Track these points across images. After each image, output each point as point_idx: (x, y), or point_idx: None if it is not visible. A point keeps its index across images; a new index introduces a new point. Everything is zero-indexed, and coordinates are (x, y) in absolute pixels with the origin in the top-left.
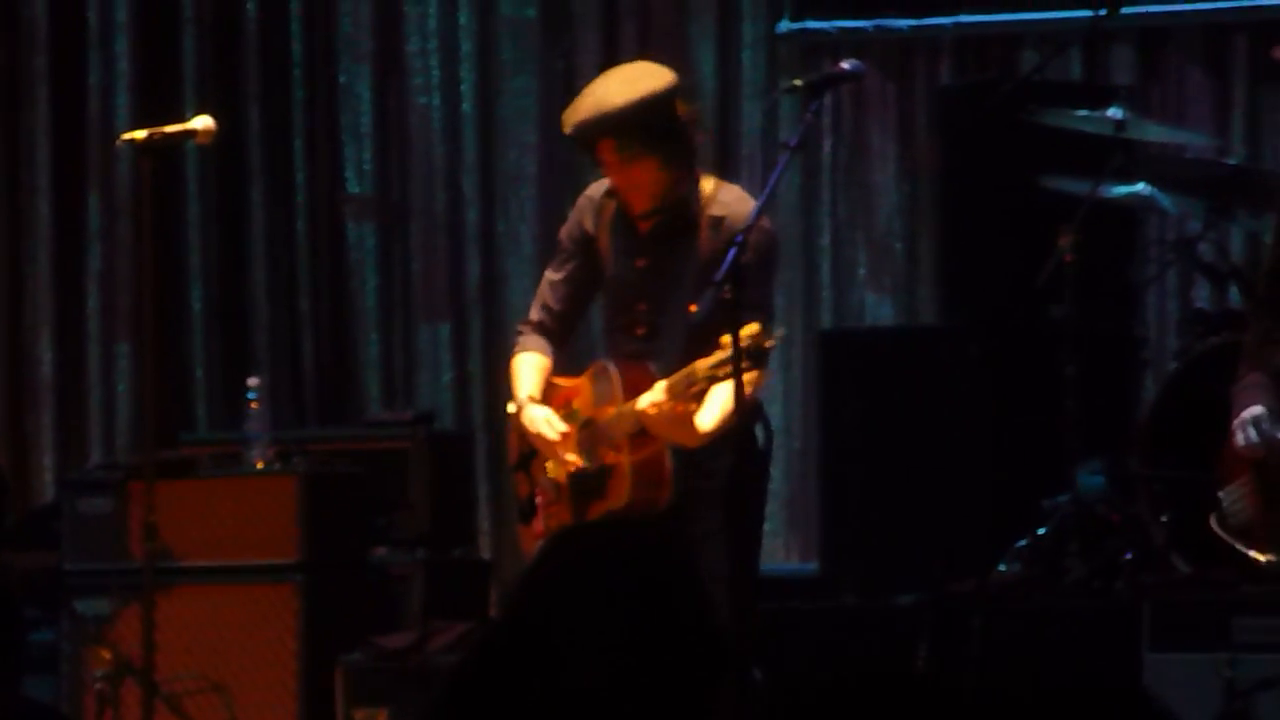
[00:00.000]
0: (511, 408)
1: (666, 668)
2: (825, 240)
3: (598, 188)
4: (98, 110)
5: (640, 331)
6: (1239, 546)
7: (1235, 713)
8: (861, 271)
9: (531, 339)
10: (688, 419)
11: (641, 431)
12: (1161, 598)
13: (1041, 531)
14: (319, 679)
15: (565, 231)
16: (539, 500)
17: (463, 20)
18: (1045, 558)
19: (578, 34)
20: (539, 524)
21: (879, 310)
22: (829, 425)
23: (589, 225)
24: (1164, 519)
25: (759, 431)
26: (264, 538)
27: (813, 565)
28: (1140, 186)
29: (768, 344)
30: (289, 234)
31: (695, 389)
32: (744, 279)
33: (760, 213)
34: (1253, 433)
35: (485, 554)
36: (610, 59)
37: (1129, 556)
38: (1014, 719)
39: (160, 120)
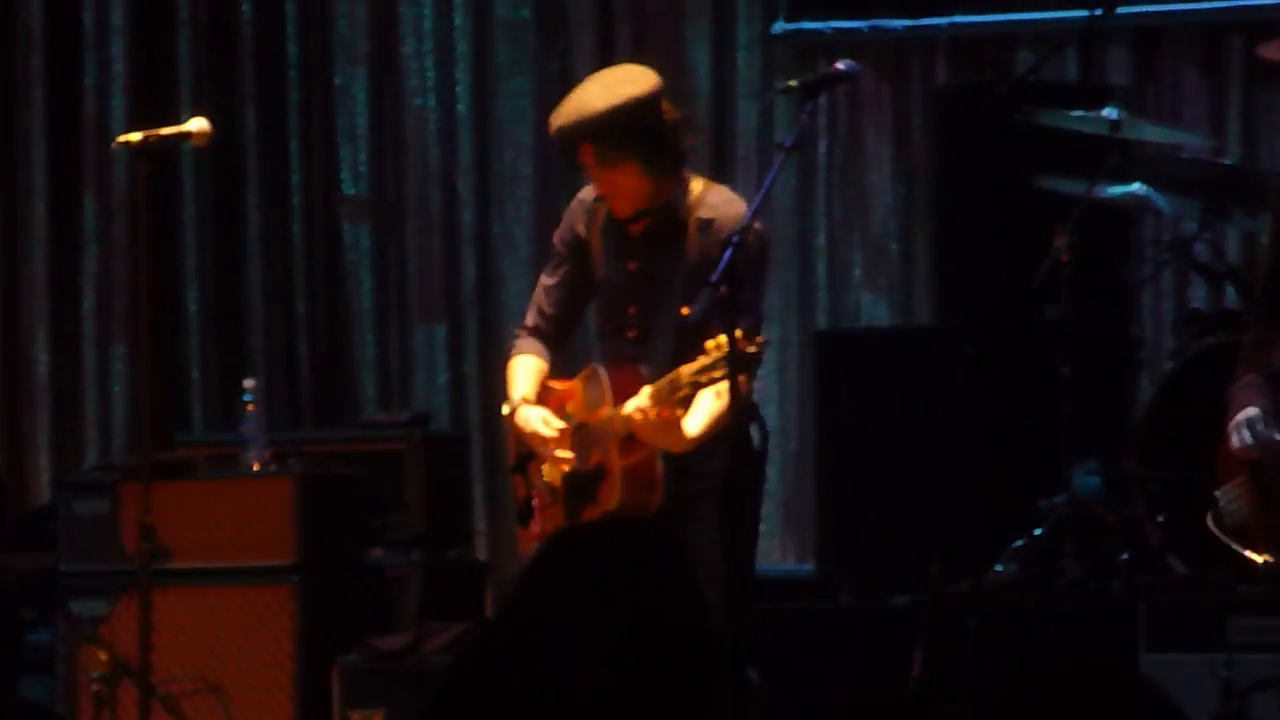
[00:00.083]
0: (505, 409)
1: (663, 669)
2: (821, 241)
3: (590, 191)
4: (93, 112)
5: (632, 334)
6: (1235, 546)
7: (1232, 713)
8: (857, 272)
9: (527, 343)
10: (674, 424)
11: (631, 436)
12: (1158, 598)
13: (1037, 532)
14: (315, 680)
15: (558, 235)
16: (535, 502)
17: (458, 21)
18: (1041, 558)
19: (573, 35)
20: (535, 526)
21: (874, 311)
22: (825, 426)
23: (581, 229)
24: (1160, 519)
25: (754, 433)
26: (260, 539)
27: (809, 566)
28: (1136, 187)
29: (750, 349)
30: (285, 235)
31: (680, 394)
32: (735, 281)
33: (755, 214)
34: (1247, 434)
35: (481, 555)
36: (605, 60)
37: (1125, 557)
38: (1016, 706)
39: (156, 122)
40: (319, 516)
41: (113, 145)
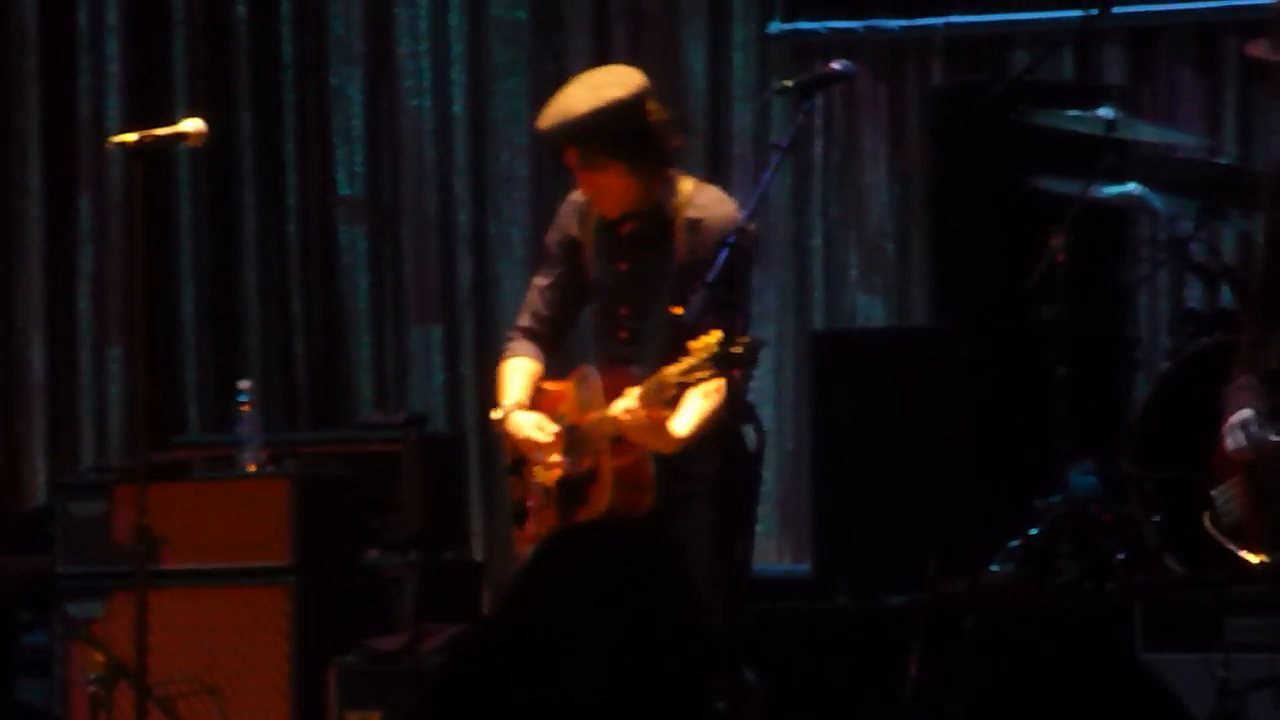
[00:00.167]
0: (496, 414)
1: (658, 669)
2: (817, 241)
3: (582, 192)
4: (88, 112)
5: (623, 336)
6: (1231, 547)
7: (1228, 713)
8: (853, 272)
9: (520, 345)
10: (662, 425)
11: (621, 437)
12: (1154, 598)
13: (1034, 532)
14: (312, 681)
15: (551, 236)
16: (529, 504)
17: (454, 22)
18: (1037, 558)
19: (568, 36)
20: (530, 527)
21: (871, 311)
22: (821, 426)
23: (574, 230)
24: (1156, 519)
25: (750, 433)
26: (256, 540)
27: (805, 566)
28: (1131, 186)
29: (735, 349)
30: (280, 236)
31: (667, 395)
32: (730, 281)
33: (752, 214)
34: (1241, 436)
35: (478, 556)
36: (601, 60)
37: (1121, 557)
38: (1015, 691)
39: (151, 123)
40: (315, 517)
41: (108, 146)
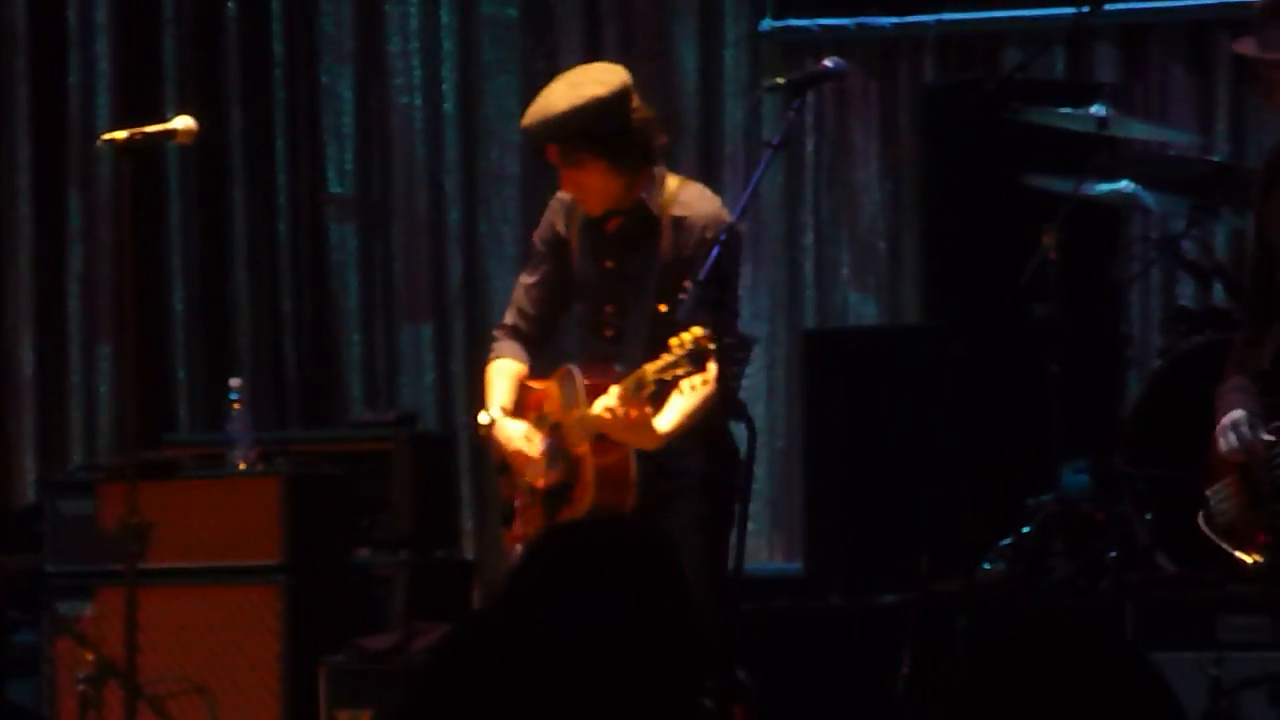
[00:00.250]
0: (484, 417)
1: (651, 668)
2: (808, 239)
3: (564, 189)
4: (78, 111)
5: (609, 334)
6: (1225, 546)
7: (1221, 711)
8: (845, 271)
9: (505, 345)
10: (644, 422)
11: (603, 435)
12: (1147, 596)
13: (1026, 530)
14: (302, 680)
15: (538, 235)
16: (517, 503)
17: (444, 20)
18: (1030, 557)
19: (559, 33)
20: (517, 527)
21: (862, 309)
22: (813, 425)
23: (561, 227)
24: (1149, 517)
25: (742, 431)
26: (247, 539)
27: (797, 565)
28: (1124, 184)
29: (711, 345)
30: (271, 235)
31: (646, 392)
32: (721, 279)
33: (743, 212)
34: (1233, 438)
35: (468, 555)
36: (592, 58)
37: (1114, 555)
38: (1006, 664)
39: (141, 121)
40: (306, 516)
41: (98, 144)
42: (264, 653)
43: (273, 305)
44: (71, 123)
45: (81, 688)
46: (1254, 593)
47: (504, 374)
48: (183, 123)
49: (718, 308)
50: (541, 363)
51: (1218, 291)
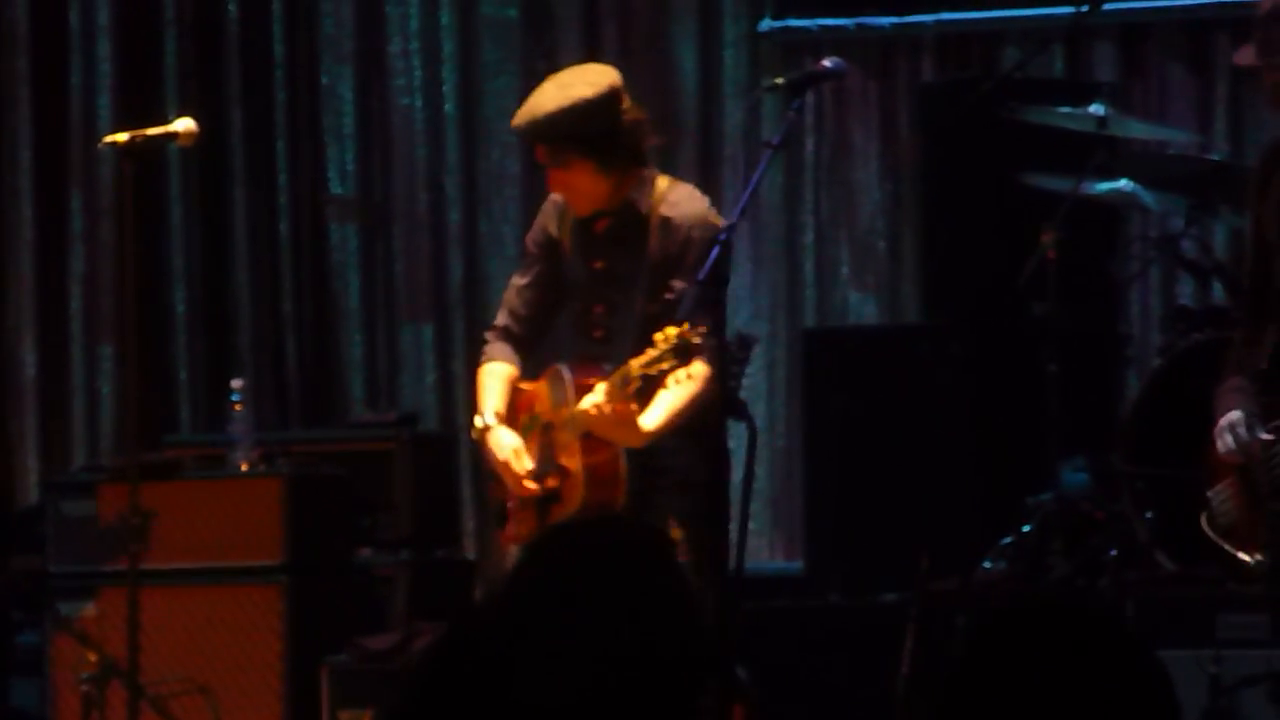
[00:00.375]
0: (479, 421)
1: (651, 668)
2: (808, 239)
3: (550, 189)
4: (80, 112)
5: (598, 334)
6: (1226, 548)
7: (1220, 709)
8: (844, 270)
9: (497, 347)
10: (629, 419)
11: (591, 433)
12: (1146, 595)
13: (1025, 529)
14: (304, 680)
15: (530, 236)
16: (509, 505)
17: (444, 21)
18: (1029, 555)
19: (559, 34)
20: (510, 529)
21: (862, 309)
22: (812, 424)
23: (553, 229)
24: (1148, 516)
25: (742, 429)
26: (248, 539)
27: (797, 564)
28: (1123, 183)
29: (697, 340)
30: (272, 235)
31: (632, 387)
32: (689, 275)
33: (743, 211)
34: (1230, 439)
35: (469, 554)
36: (592, 59)
37: (1113, 554)
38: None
39: (142, 122)
40: (307, 516)
41: (99, 146)
42: (266, 653)
43: (274, 306)
44: (73, 124)
45: (84, 688)
46: (1255, 592)
47: (496, 376)
48: (184, 124)
49: (717, 308)
50: (534, 364)
51: (1217, 290)
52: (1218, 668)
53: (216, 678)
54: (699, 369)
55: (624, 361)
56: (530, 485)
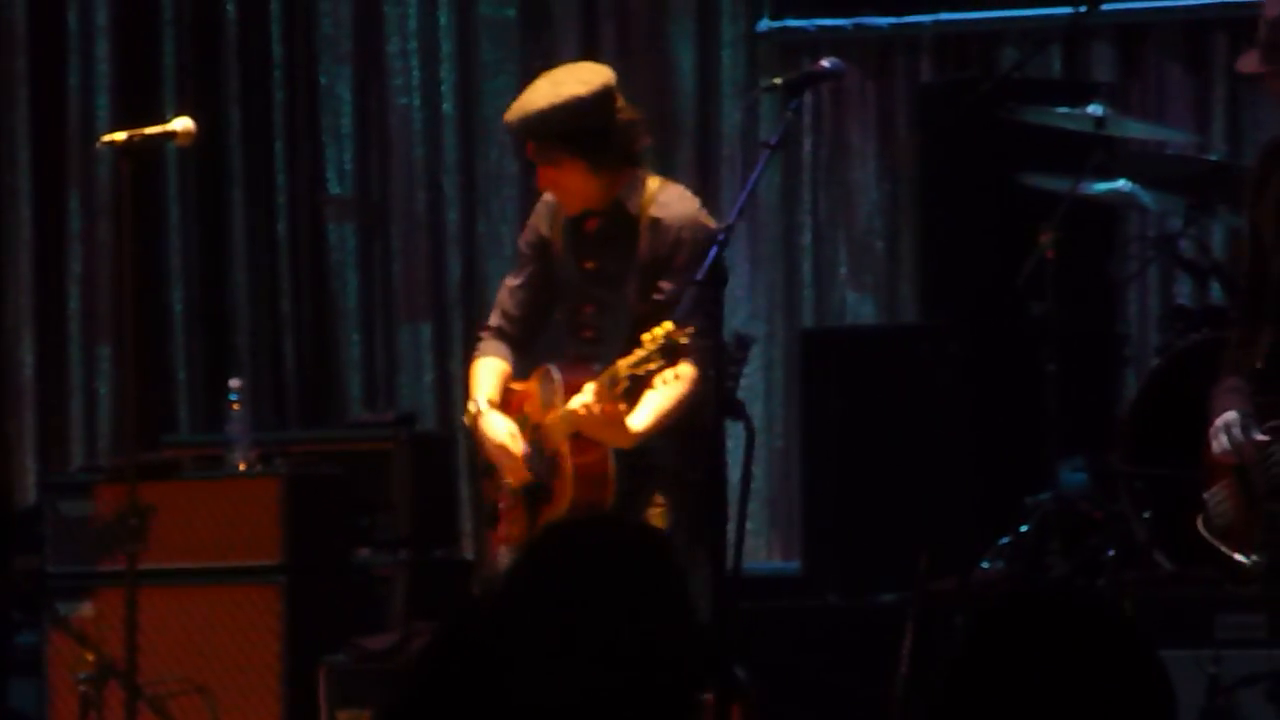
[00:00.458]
0: (471, 407)
1: (649, 668)
2: (806, 239)
3: (540, 187)
4: (78, 112)
5: (588, 334)
6: (1224, 549)
7: (1219, 709)
8: (842, 270)
9: (490, 345)
10: (618, 419)
11: (580, 433)
12: (1144, 594)
13: (1023, 529)
14: (302, 680)
15: (524, 237)
16: (500, 505)
17: (443, 21)
18: (1027, 555)
19: (557, 34)
20: (501, 529)
21: (860, 309)
22: (810, 424)
23: (545, 229)
24: (1146, 516)
25: (740, 430)
26: (247, 540)
27: (795, 564)
28: (1121, 183)
29: (684, 340)
30: (270, 235)
31: (620, 388)
32: (678, 276)
33: (740, 212)
34: (1225, 440)
35: (468, 554)
36: (590, 58)
37: (1111, 553)
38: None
39: (140, 122)
40: (305, 516)
41: (97, 145)
42: (264, 653)
43: (272, 305)
44: (71, 125)
45: (82, 688)
46: (1252, 592)
47: (488, 369)
48: (182, 124)
49: (715, 308)
50: (526, 365)
51: (1215, 290)
52: (1216, 668)
53: (214, 678)
54: (686, 369)
55: (612, 361)
56: (524, 473)
